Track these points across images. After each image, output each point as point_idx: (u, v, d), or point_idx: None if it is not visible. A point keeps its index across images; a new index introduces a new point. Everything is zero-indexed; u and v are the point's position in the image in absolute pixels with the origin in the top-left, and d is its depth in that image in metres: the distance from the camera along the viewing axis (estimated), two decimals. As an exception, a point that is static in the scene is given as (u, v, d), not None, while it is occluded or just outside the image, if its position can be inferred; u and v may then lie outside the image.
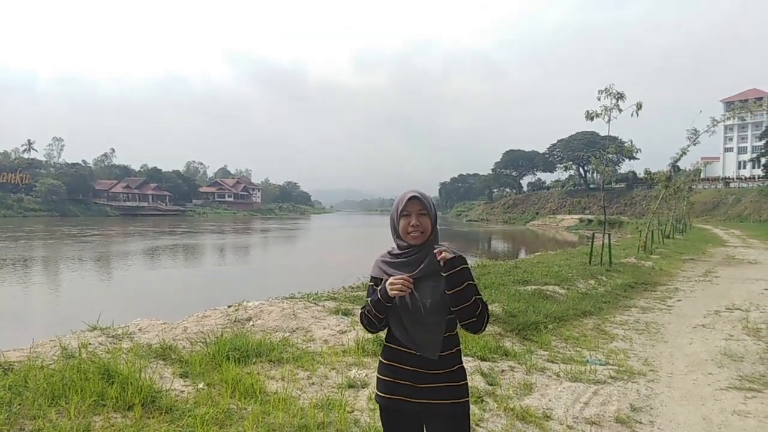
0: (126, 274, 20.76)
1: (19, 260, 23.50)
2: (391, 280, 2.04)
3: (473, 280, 2.13)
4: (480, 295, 2.14)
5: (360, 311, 2.24)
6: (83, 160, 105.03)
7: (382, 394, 2.17)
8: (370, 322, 2.16)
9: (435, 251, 2.04)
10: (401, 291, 2.02)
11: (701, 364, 5.64)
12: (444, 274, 2.03)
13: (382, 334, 2.22)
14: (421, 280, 2.07)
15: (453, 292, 2.03)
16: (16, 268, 21.03)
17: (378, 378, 2.21)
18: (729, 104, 68.18)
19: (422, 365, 2.08)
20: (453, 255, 2.03)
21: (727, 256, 18.89)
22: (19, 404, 3.29)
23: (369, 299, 2.15)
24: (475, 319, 2.06)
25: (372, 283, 2.21)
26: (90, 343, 4.66)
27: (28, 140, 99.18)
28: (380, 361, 2.22)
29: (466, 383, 2.16)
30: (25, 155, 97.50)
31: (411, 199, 2.11)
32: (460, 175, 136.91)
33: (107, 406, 3.41)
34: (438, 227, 2.19)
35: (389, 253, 2.20)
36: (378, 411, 3.75)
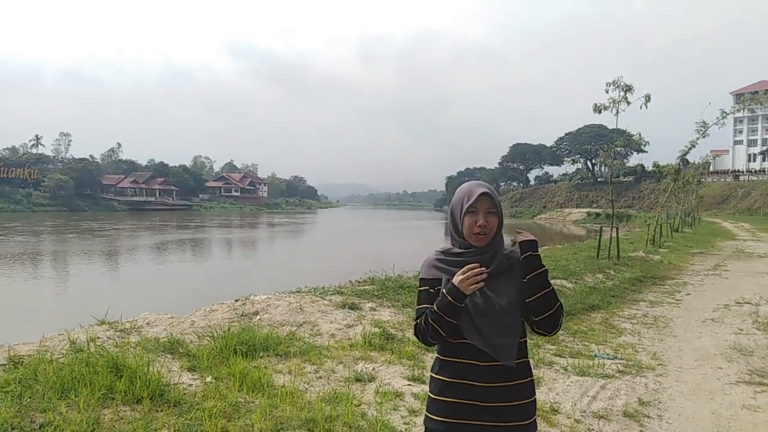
0: (137, 268, 20.96)
1: (46, 254, 23.82)
2: (459, 277, 1.78)
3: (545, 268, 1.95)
4: (550, 286, 1.93)
5: (416, 323, 1.93)
6: (90, 155, 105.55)
7: (440, 418, 1.86)
8: (435, 332, 1.84)
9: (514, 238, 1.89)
10: (477, 284, 1.77)
11: (710, 358, 5.60)
12: (522, 258, 1.88)
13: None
14: (493, 279, 1.83)
15: (531, 277, 1.85)
16: (43, 261, 21.24)
17: (433, 398, 1.90)
18: (739, 96, 67.30)
19: (493, 378, 1.83)
20: (531, 238, 1.88)
21: (737, 250, 18.76)
22: (30, 397, 3.32)
23: (435, 305, 1.84)
24: (552, 312, 1.85)
25: (427, 287, 1.93)
26: (98, 337, 4.68)
27: (36, 135, 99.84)
28: (434, 378, 1.92)
29: (535, 398, 1.94)
30: (33, 150, 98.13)
31: (482, 195, 1.86)
32: (467, 169, 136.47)
33: (116, 400, 3.43)
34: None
35: (443, 251, 1.95)
36: (385, 405, 3.78)
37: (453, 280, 1.80)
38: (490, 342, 1.83)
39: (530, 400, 1.90)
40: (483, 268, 1.78)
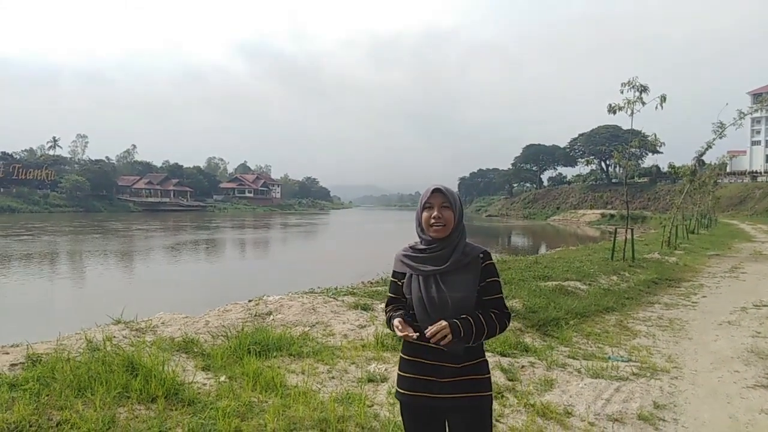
0: (154, 267, 21.22)
1: (71, 254, 24.29)
2: (399, 333, 2.02)
3: (497, 277, 2.14)
4: (501, 293, 2.15)
5: (384, 309, 2.26)
6: (106, 157, 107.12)
7: (404, 391, 2.13)
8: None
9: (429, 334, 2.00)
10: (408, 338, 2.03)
11: (727, 361, 5.53)
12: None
13: None
14: (449, 275, 2.06)
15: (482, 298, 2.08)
16: (67, 260, 21.58)
17: (399, 374, 2.17)
18: (756, 96, 66.35)
19: (446, 359, 2.04)
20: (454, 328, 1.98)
21: (754, 252, 18.49)
22: (47, 395, 3.37)
23: (392, 317, 2.12)
24: (485, 337, 2.08)
25: (395, 279, 2.20)
26: (114, 336, 4.74)
27: (54, 137, 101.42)
28: (401, 356, 2.19)
29: (489, 377, 2.14)
30: (51, 152, 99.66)
31: (434, 191, 2.10)
32: (480, 170, 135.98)
33: (131, 398, 3.47)
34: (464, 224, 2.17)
35: (411, 247, 2.17)
36: (398, 406, 3.78)
37: (395, 326, 2.04)
38: None
39: (483, 376, 2.11)
40: (415, 335, 2.00)
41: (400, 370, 2.17)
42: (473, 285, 2.06)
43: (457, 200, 2.13)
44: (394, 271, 2.21)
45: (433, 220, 2.07)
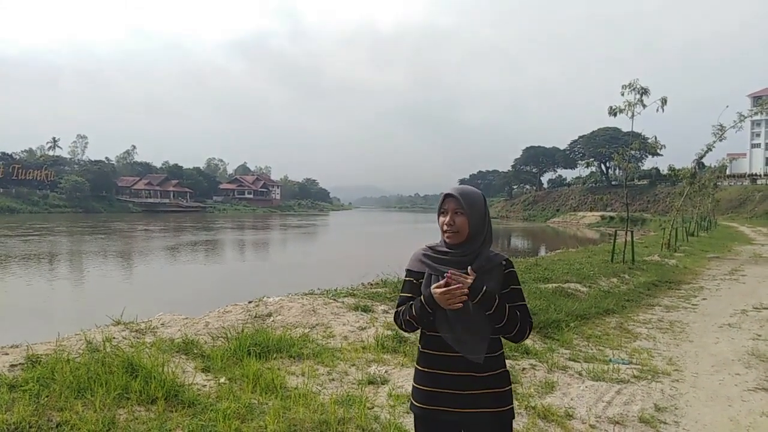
0: (154, 268, 21.22)
1: (73, 254, 24.23)
2: (439, 290, 1.89)
3: (519, 285, 2.09)
4: (524, 301, 2.08)
5: (396, 310, 2.11)
6: (106, 157, 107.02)
7: (421, 405, 2.03)
8: (410, 325, 2.05)
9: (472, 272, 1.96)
10: (456, 305, 1.89)
11: (728, 364, 5.52)
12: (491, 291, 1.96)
13: (412, 336, 2.14)
14: None
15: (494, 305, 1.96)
16: (67, 260, 21.57)
17: (415, 387, 2.08)
18: (757, 99, 66.30)
19: (466, 369, 1.97)
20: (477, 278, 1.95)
21: (754, 254, 18.50)
22: (47, 396, 3.36)
23: (413, 309, 2.00)
24: (506, 326, 1.99)
25: (411, 278, 2.09)
26: (114, 337, 4.73)
27: (53, 138, 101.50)
28: (416, 368, 2.09)
29: (511, 389, 2.05)
30: (50, 153, 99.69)
31: (446, 197, 2.05)
32: (480, 171, 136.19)
33: (131, 400, 3.46)
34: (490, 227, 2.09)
35: (431, 247, 2.10)
36: (398, 408, 3.77)
37: (433, 292, 1.92)
38: (459, 338, 1.97)
39: (504, 389, 2.02)
40: (465, 289, 1.89)
41: (415, 382, 2.08)
42: (495, 291, 1.99)
43: (476, 205, 2.03)
44: (410, 270, 2.12)
45: (446, 227, 2.02)
